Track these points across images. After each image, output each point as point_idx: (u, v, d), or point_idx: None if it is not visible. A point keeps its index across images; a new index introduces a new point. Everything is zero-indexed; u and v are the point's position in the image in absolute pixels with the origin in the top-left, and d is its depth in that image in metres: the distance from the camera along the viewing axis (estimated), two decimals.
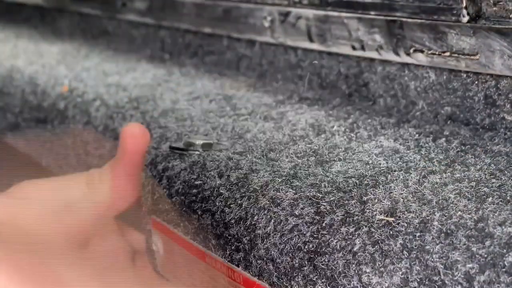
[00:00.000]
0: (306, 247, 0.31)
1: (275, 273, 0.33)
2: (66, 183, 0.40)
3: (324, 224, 0.32)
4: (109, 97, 0.53)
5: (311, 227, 0.32)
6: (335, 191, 0.34)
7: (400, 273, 0.28)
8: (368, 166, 0.37)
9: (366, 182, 0.34)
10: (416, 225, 0.30)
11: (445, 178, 0.34)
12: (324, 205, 0.33)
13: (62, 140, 0.56)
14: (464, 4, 0.39)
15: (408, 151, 0.39)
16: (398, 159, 0.37)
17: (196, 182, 0.38)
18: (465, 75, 0.42)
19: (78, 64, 0.65)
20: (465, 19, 0.39)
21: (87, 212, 0.39)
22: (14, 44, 0.78)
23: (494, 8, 0.39)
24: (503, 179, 0.34)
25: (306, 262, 0.31)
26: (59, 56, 0.70)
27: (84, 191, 0.39)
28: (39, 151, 0.61)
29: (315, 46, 0.50)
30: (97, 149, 0.51)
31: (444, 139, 0.40)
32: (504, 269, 0.27)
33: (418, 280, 0.28)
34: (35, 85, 0.61)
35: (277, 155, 0.39)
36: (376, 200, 0.32)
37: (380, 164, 0.37)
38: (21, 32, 0.85)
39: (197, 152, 0.40)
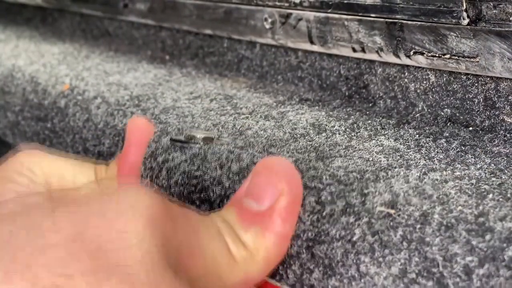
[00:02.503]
0: (305, 235, 0.31)
1: None
2: (76, 165, 0.37)
3: (324, 214, 0.32)
4: (110, 95, 0.53)
5: (311, 216, 0.32)
6: (336, 183, 0.34)
7: (399, 263, 0.28)
8: (369, 162, 0.37)
9: (367, 176, 0.35)
10: (417, 218, 0.30)
11: (446, 175, 0.34)
12: (325, 195, 0.33)
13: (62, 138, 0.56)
14: (464, 7, 0.39)
15: (408, 150, 0.39)
16: (399, 157, 0.38)
17: (196, 173, 0.38)
18: (465, 77, 0.42)
19: (79, 64, 0.66)
20: (465, 21, 0.40)
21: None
22: (15, 44, 0.78)
23: (494, 11, 0.39)
24: (503, 178, 0.34)
25: (304, 250, 0.31)
26: (60, 56, 0.70)
27: (90, 179, 0.37)
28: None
29: (315, 48, 0.51)
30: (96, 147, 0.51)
31: (444, 140, 0.40)
32: (503, 263, 0.27)
33: (417, 271, 0.28)
34: (36, 83, 0.61)
35: (278, 151, 0.39)
36: (377, 193, 0.32)
37: (380, 161, 0.37)
38: (22, 33, 0.85)
39: (198, 145, 0.40)
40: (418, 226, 0.29)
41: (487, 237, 0.28)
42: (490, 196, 0.31)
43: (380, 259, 0.29)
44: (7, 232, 0.27)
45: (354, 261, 0.29)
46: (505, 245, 0.27)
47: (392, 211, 0.30)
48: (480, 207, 0.30)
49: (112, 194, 0.29)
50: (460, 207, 0.30)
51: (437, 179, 0.34)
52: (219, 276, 0.30)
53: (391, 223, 0.30)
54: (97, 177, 0.37)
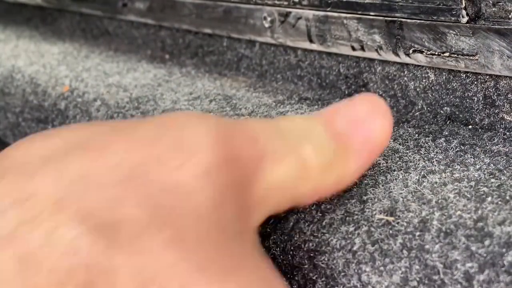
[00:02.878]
0: (306, 245, 0.31)
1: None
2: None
3: (324, 223, 0.32)
4: (109, 97, 0.54)
5: (311, 226, 0.32)
6: None
7: (400, 272, 0.28)
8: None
9: (365, 181, 0.35)
10: (416, 225, 0.30)
11: (445, 177, 0.34)
12: (324, 203, 0.33)
13: None
14: (464, 5, 0.39)
15: (407, 151, 0.39)
16: (398, 158, 0.38)
17: None
18: (464, 75, 0.42)
19: (79, 64, 0.66)
20: (464, 19, 0.40)
21: None
22: (15, 44, 0.78)
23: (494, 9, 0.39)
24: (503, 178, 0.34)
25: (306, 261, 0.31)
26: (59, 56, 0.70)
27: None
28: None
29: (314, 46, 0.51)
30: None
31: (443, 139, 0.40)
32: (503, 268, 0.27)
33: (418, 279, 0.28)
34: (36, 85, 0.61)
35: None
36: (375, 200, 0.32)
37: (379, 163, 0.37)
38: (22, 32, 0.85)
39: None
40: (418, 233, 0.29)
41: (486, 242, 0.28)
42: (489, 199, 0.32)
43: (381, 268, 0.29)
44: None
45: (356, 270, 0.29)
46: (504, 250, 0.27)
47: (391, 219, 0.30)
48: (479, 211, 0.30)
49: (171, 129, 0.26)
50: (459, 212, 0.30)
51: (436, 182, 0.34)
52: (293, 185, 0.29)
53: (391, 231, 0.30)
54: None
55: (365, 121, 0.31)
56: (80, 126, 0.27)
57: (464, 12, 0.39)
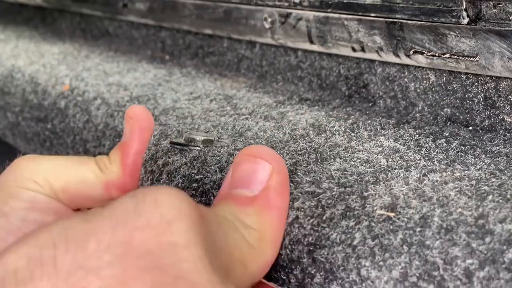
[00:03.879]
0: (306, 240, 0.31)
1: (273, 266, 0.33)
2: (77, 164, 0.36)
3: (324, 218, 0.32)
4: (109, 96, 0.53)
5: (311, 220, 0.32)
6: (335, 186, 0.34)
7: (400, 267, 0.28)
8: (369, 164, 0.37)
9: (366, 178, 0.35)
10: (417, 221, 0.30)
11: (445, 176, 0.34)
12: (325, 199, 0.33)
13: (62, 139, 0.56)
14: (464, 6, 0.39)
15: (408, 151, 0.39)
16: (398, 158, 0.38)
17: (197, 177, 0.38)
18: (464, 77, 0.42)
19: (79, 64, 0.65)
20: (465, 21, 0.40)
21: (100, 194, 0.36)
22: (15, 44, 0.78)
23: (494, 10, 0.39)
24: (503, 178, 0.34)
25: (305, 255, 0.31)
26: (60, 56, 0.70)
27: (96, 172, 0.37)
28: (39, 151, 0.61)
29: (315, 47, 0.51)
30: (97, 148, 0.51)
31: (444, 140, 0.40)
32: (503, 266, 0.27)
33: (417, 275, 0.28)
34: (36, 84, 0.61)
35: (278, 152, 0.39)
36: (376, 196, 0.32)
37: (380, 162, 0.37)
38: (22, 33, 0.85)
39: (197, 148, 0.41)
40: (418, 229, 0.29)
41: (487, 239, 0.28)
42: (490, 197, 0.32)
43: (381, 263, 0.29)
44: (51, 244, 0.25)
45: (355, 265, 0.29)
46: (505, 247, 0.27)
47: (392, 214, 0.30)
48: (480, 209, 0.30)
49: (146, 198, 0.27)
50: (460, 209, 0.30)
51: (437, 181, 0.34)
52: (244, 266, 0.30)
53: (391, 227, 0.30)
54: (101, 168, 0.37)
55: (258, 174, 0.33)
56: (51, 227, 0.27)
57: (464, 13, 0.39)
